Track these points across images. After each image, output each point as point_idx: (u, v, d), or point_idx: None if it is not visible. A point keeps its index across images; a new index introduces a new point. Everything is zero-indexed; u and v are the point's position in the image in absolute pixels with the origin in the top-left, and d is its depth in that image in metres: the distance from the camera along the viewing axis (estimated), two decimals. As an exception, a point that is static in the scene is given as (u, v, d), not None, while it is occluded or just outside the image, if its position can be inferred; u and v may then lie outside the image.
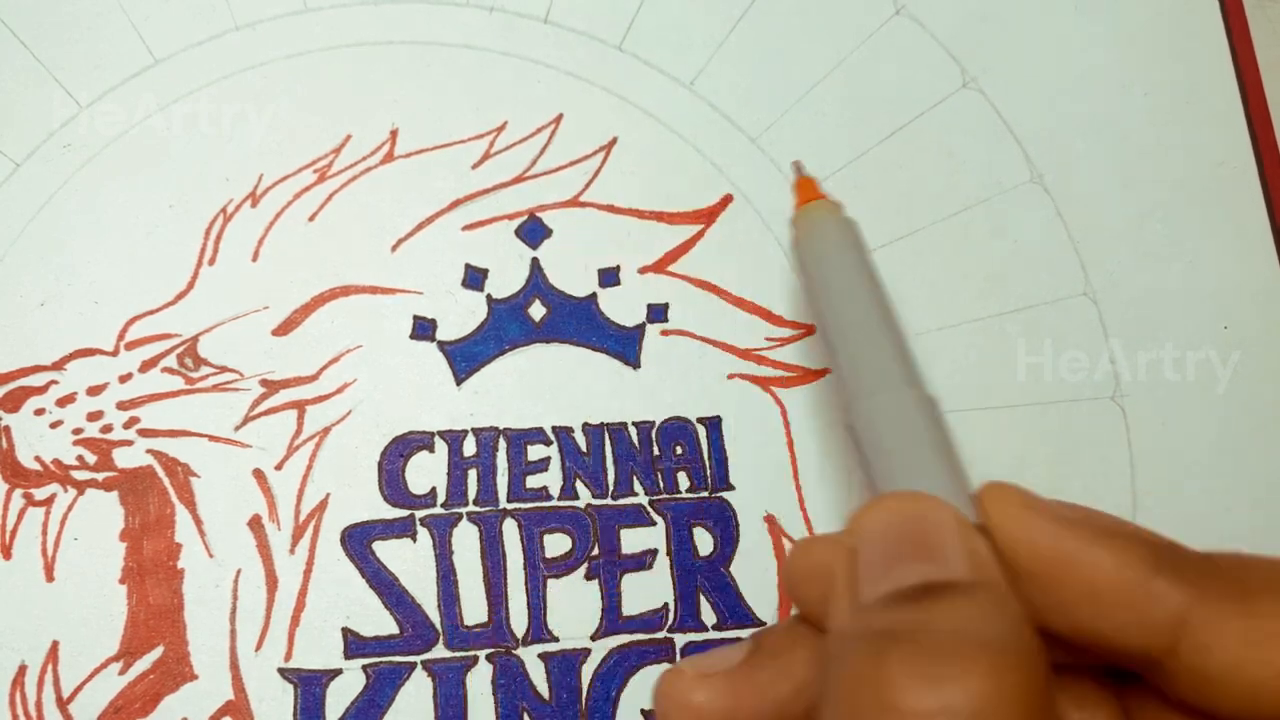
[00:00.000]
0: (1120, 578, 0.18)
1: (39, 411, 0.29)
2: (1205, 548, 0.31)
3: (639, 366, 0.31)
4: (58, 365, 0.29)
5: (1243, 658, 0.17)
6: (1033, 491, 0.21)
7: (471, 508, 0.29)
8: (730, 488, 0.30)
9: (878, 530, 0.19)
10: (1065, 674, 0.20)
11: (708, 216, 0.32)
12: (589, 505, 0.30)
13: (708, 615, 0.29)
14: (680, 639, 0.29)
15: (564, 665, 0.28)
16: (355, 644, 0.28)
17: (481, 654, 0.28)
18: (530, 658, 0.28)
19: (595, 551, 0.29)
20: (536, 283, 0.31)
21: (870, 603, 0.19)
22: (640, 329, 0.31)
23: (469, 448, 0.30)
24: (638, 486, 0.30)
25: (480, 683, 0.28)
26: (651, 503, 0.30)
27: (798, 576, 0.22)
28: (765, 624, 0.29)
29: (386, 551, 0.29)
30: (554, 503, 0.29)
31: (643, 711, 0.28)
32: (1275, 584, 0.18)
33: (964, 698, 0.16)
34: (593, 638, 0.29)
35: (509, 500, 0.29)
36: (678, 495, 0.30)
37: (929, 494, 0.20)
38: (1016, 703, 0.16)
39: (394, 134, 0.32)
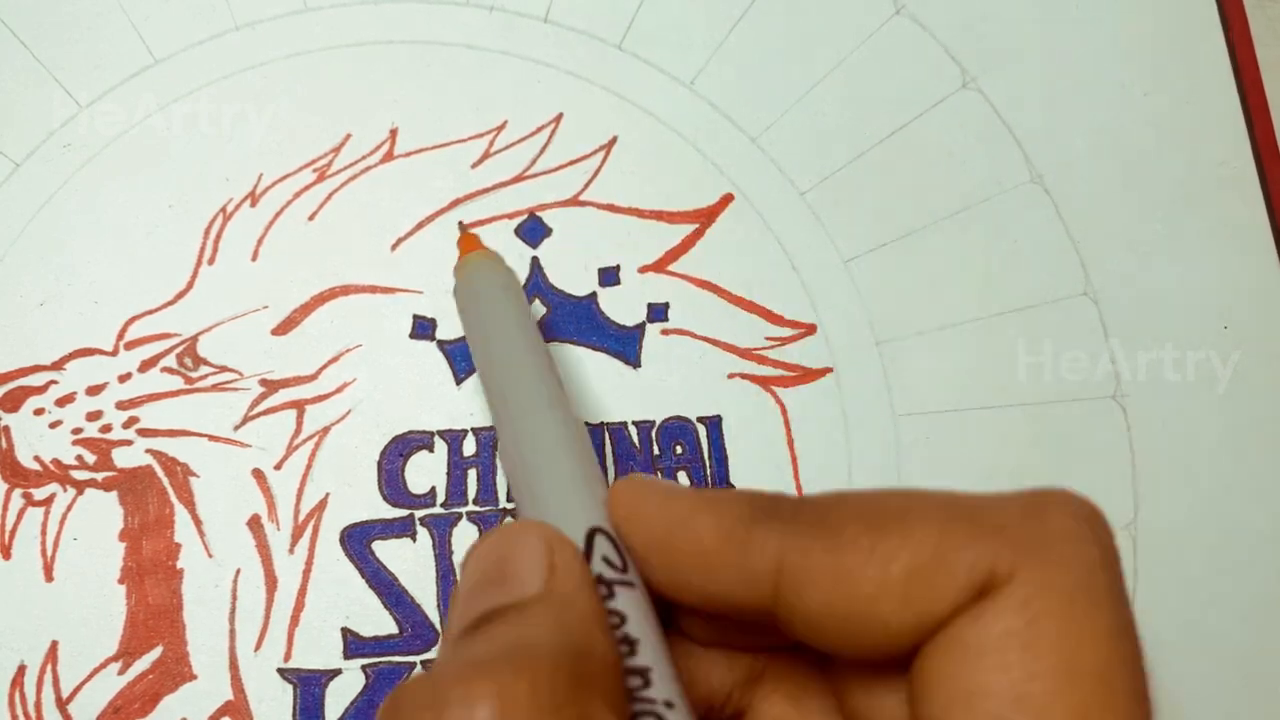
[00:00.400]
0: (719, 536, 0.19)
1: (38, 411, 0.29)
2: (1206, 549, 0.32)
3: (639, 366, 0.31)
4: (57, 365, 0.29)
5: (832, 594, 0.17)
6: (654, 478, 0.21)
7: (471, 507, 0.29)
8: (730, 487, 0.30)
9: (469, 566, 0.20)
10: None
11: (708, 216, 0.32)
12: (589, 505, 0.30)
13: (708, 615, 0.29)
14: (680, 639, 0.29)
15: (564, 665, 0.28)
16: (355, 644, 0.28)
17: (481, 654, 0.28)
18: (530, 658, 0.28)
19: (595, 551, 0.29)
20: (536, 282, 0.31)
21: (452, 638, 0.19)
22: (640, 329, 0.31)
23: (469, 447, 0.30)
24: (638, 486, 0.30)
25: (480, 683, 0.28)
26: (651, 503, 0.30)
27: None
28: (765, 624, 0.29)
29: (386, 551, 0.29)
30: (554, 502, 0.29)
31: None
32: (861, 516, 0.18)
33: (483, 713, 0.16)
34: (593, 638, 0.28)
35: (509, 500, 0.29)
36: (678, 495, 0.30)
37: (524, 521, 0.20)
38: (540, 704, 0.16)
39: (394, 133, 0.32)
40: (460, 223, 0.29)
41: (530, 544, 0.19)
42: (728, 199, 0.32)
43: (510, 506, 0.29)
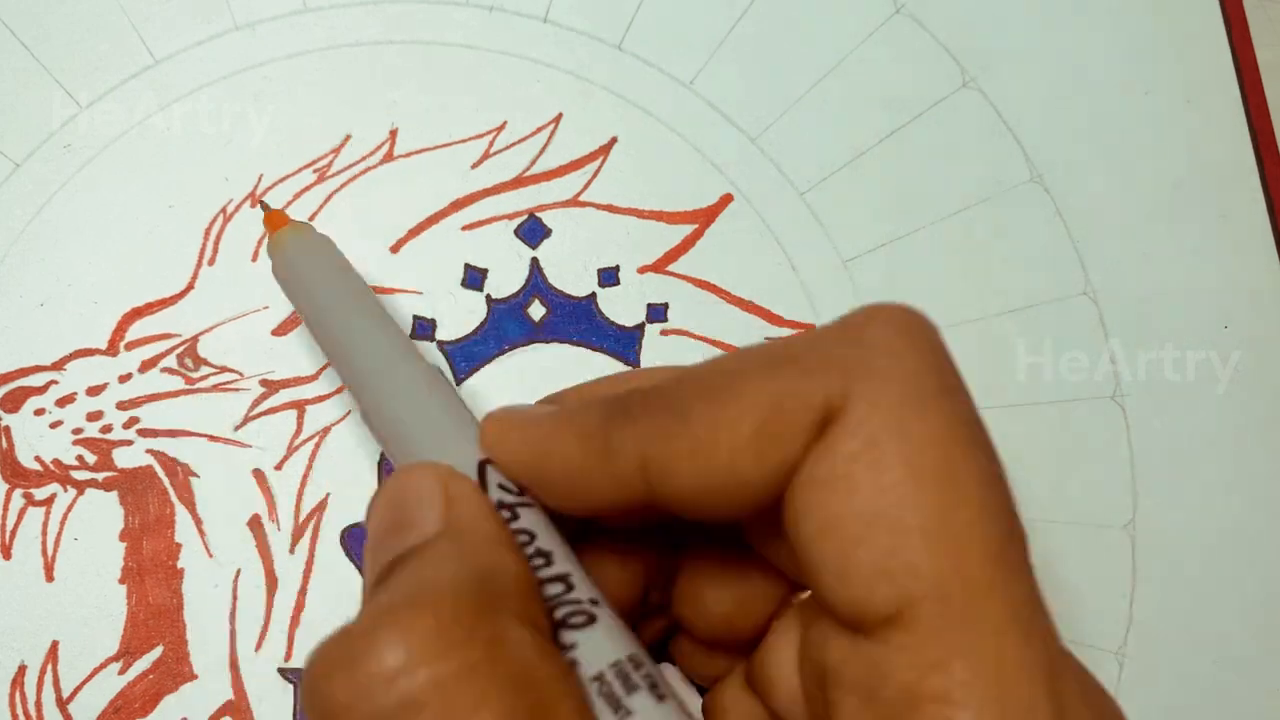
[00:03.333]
0: (582, 452, 0.20)
1: (39, 411, 0.29)
2: (1205, 549, 0.32)
3: (639, 367, 0.31)
4: (58, 365, 0.29)
5: (693, 471, 0.18)
6: (518, 407, 0.22)
7: (471, 508, 0.29)
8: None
9: (371, 520, 0.20)
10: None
11: (707, 216, 0.32)
12: (589, 505, 0.30)
13: (707, 615, 0.29)
14: (680, 639, 0.29)
15: (564, 665, 0.28)
16: (355, 644, 0.28)
17: (481, 654, 0.28)
18: (530, 658, 0.28)
19: (595, 551, 0.29)
20: (536, 282, 0.31)
21: (367, 594, 0.19)
22: (640, 329, 0.31)
23: (469, 448, 0.30)
24: (637, 486, 0.30)
25: (480, 683, 0.28)
26: (651, 503, 0.30)
27: None
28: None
29: (386, 551, 0.29)
30: (554, 503, 0.29)
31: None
32: (702, 391, 0.18)
33: (393, 657, 0.16)
34: (592, 638, 0.29)
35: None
36: (677, 495, 0.30)
37: (416, 462, 0.21)
38: (449, 635, 0.16)
39: (394, 134, 0.32)
40: (262, 202, 0.28)
41: (425, 484, 0.20)
42: (727, 199, 0.32)
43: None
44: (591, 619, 0.19)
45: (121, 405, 0.29)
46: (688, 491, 0.18)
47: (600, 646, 0.18)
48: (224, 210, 0.31)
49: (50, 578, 0.28)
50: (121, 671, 0.27)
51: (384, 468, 0.29)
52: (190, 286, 0.30)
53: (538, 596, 0.19)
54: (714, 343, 0.31)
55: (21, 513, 0.28)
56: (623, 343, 0.31)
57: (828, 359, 0.18)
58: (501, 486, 0.21)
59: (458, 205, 0.32)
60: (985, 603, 0.16)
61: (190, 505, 0.28)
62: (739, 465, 0.18)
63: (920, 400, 0.17)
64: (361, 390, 0.23)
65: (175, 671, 0.27)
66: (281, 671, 0.27)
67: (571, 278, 0.31)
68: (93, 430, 0.29)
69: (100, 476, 0.28)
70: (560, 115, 0.33)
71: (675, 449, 0.18)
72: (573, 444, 0.20)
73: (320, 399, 0.30)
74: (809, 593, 0.21)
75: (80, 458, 0.29)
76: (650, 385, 0.19)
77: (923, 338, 0.18)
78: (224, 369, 0.30)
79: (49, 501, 0.28)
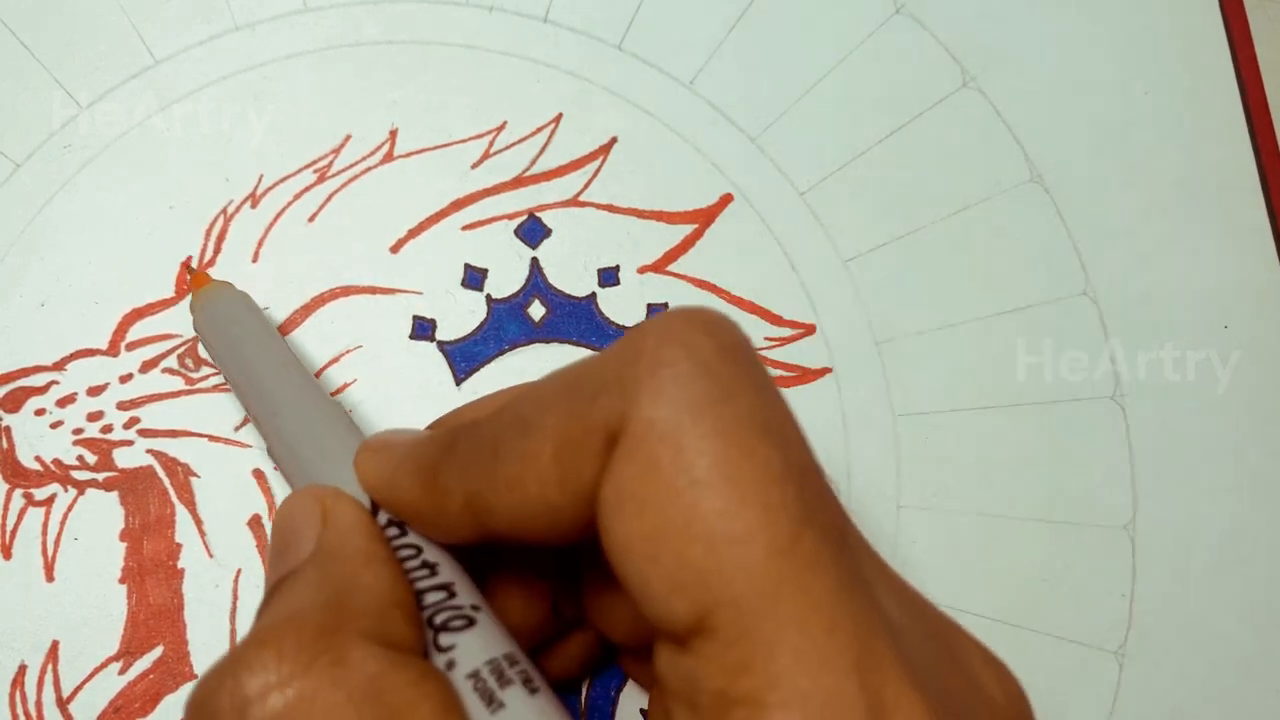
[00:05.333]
0: (419, 490, 0.20)
1: (39, 411, 0.29)
2: (1205, 549, 0.31)
3: (639, 366, 0.31)
4: (58, 365, 0.29)
5: (509, 503, 0.18)
6: (393, 433, 0.22)
7: (471, 508, 0.29)
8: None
9: (270, 541, 0.21)
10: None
11: (707, 216, 0.32)
12: (589, 505, 0.30)
13: (707, 615, 0.29)
14: (680, 639, 0.29)
15: (564, 665, 0.28)
16: (355, 644, 0.28)
17: (481, 654, 0.28)
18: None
19: (595, 551, 0.29)
20: (536, 282, 0.31)
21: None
22: (640, 329, 0.31)
23: (469, 448, 0.30)
24: (637, 486, 0.30)
25: (480, 683, 0.28)
26: (651, 503, 0.30)
27: None
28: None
29: (386, 551, 0.29)
30: (554, 503, 0.29)
31: (642, 711, 0.28)
32: (509, 424, 0.19)
33: (241, 692, 0.17)
34: (592, 638, 0.29)
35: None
36: (677, 495, 0.30)
37: (303, 488, 0.22)
38: (292, 664, 0.17)
39: (393, 134, 0.32)
40: (185, 265, 0.30)
41: (304, 507, 0.21)
42: (727, 199, 0.32)
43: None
44: (470, 622, 0.20)
45: (122, 405, 0.29)
46: (510, 523, 0.19)
47: (476, 647, 0.19)
48: (224, 210, 0.31)
49: (50, 578, 0.28)
50: (122, 671, 0.27)
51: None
52: (190, 286, 0.30)
53: (403, 608, 0.19)
54: (714, 343, 0.31)
55: (22, 513, 0.28)
56: (623, 343, 0.31)
57: (609, 380, 0.17)
58: None
59: (458, 205, 0.32)
60: (779, 600, 0.16)
61: (190, 505, 0.29)
62: (547, 495, 0.18)
63: (695, 410, 0.17)
64: (264, 427, 0.25)
65: (175, 671, 0.27)
66: (282, 671, 0.27)
67: (571, 278, 0.31)
68: (93, 430, 0.29)
69: (100, 476, 0.29)
70: (560, 115, 0.33)
71: (491, 484, 0.19)
72: (412, 479, 0.20)
73: (320, 399, 0.30)
74: None
75: (80, 458, 0.29)
76: (473, 420, 0.20)
77: (699, 343, 0.17)
78: (224, 369, 0.30)
79: (49, 501, 0.28)
